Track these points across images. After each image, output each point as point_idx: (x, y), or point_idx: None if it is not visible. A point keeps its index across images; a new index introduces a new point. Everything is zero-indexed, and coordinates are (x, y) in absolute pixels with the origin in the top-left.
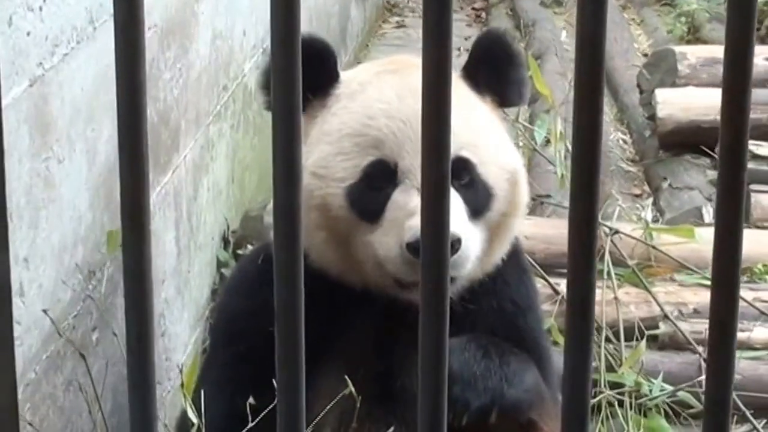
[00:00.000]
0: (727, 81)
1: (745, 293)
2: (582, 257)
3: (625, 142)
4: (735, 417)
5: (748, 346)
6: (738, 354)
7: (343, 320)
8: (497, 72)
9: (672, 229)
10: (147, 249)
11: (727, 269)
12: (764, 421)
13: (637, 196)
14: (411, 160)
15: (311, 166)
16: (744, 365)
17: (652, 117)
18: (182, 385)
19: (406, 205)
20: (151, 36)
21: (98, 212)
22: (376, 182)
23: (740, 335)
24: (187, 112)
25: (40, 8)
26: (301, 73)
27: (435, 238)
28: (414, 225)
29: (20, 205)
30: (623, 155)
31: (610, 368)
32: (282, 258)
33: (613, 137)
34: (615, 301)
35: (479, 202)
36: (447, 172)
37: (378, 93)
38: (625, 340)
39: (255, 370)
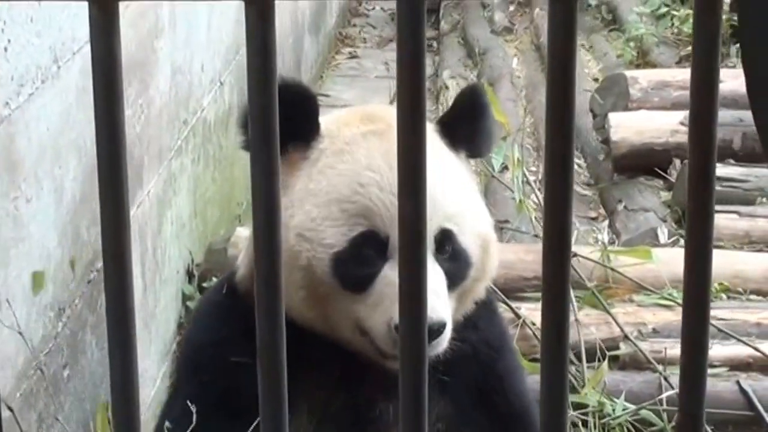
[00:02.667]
0: (694, 104)
1: None
2: (555, 284)
3: (579, 166)
4: None
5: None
6: None
7: (315, 355)
8: (474, 125)
9: (629, 251)
10: (129, 284)
11: (698, 289)
12: None
13: (593, 218)
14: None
15: (298, 227)
16: None
17: (606, 141)
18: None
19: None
20: None
21: (66, 249)
22: (365, 253)
23: None
24: (150, 147)
25: (5, 48)
26: (284, 115)
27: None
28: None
29: None
30: (578, 179)
31: (573, 389)
32: (263, 293)
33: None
34: (576, 323)
35: (458, 272)
36: (426, 249)
37: (367, 160)
38: (587, 362)
39: (219, 400)
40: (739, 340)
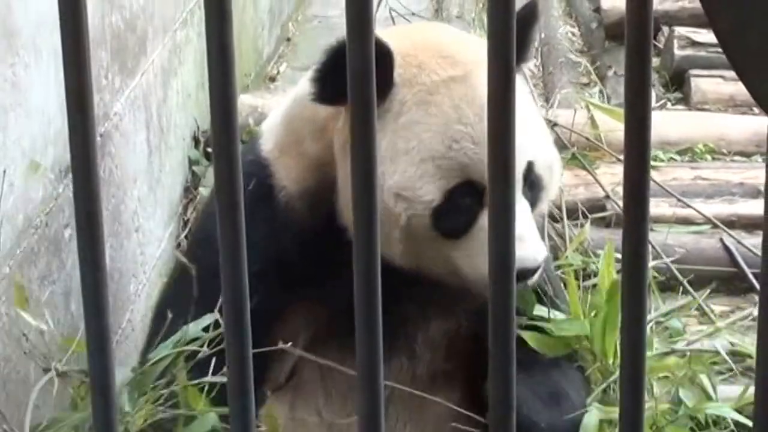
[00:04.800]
0: None
1: (686, 172)
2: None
3: (573, 34)
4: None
5: (691, 222)
6: (682, 229)
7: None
8: (528, 38)
9: (609, 110)
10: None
11: (638, 146)
12: (708, 290)
13: (585, 84)
14: None
15: (393, 187)
16: (686, 239)
17: (598, 9)
18: None
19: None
20: None
21: (66, 114)
22: (463, 202)
23: (682, 212)
24: (154, 19)
25: None
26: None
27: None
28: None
29: None
30: (572, 47)
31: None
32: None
33: (562, 30)
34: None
35: (536, 199)
36: (515, 189)
37: (456, 112)
38: (573, 222)
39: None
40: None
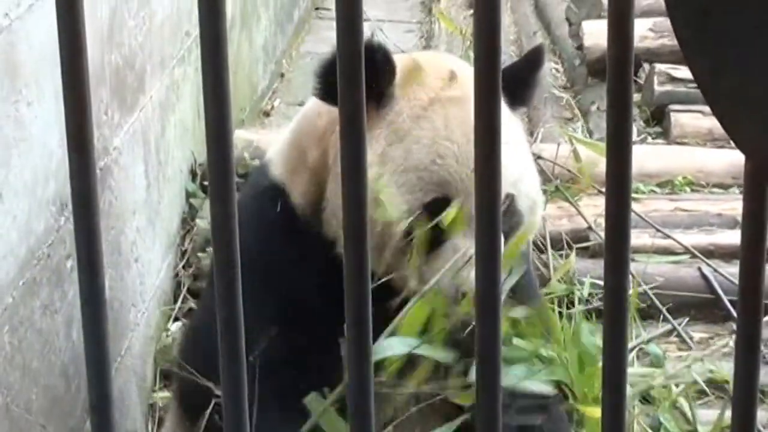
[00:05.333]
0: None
1: (666, 203)
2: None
3: (557, 70)
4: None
5: (670, 252)
6: (662, 259)
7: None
8: (531, 83)
9: (590, 144)
10: (93, 177)
11: (619, 179)
12: (686, 318)
13: (568, 119)
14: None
15: (374, 191)
16: (666, 268)
17: (581, 47)
18: None
19: (467, 250)
20: None
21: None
22: (436, 218)
23: (662, 242)
24: (152, 56)
25: None
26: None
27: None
28: (468, 277)
29: None
30: (555, 83)
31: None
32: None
33: (546, 67)
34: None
35: (510, 232)
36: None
37: (446, 130)
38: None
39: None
40: None
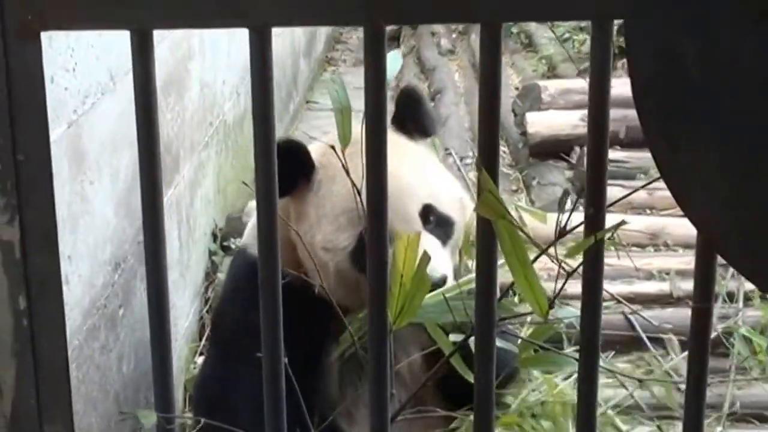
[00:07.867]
0: (592, 105)
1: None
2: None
3: (504, 152)
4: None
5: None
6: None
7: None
8: (417, 115)
9: (532, 212)
10: (162, 247)
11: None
12: (611, 353)
13: (514, 191)
14: (399, 224)
15: (320, 243)
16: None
17: (524, 133)
18: None
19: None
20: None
21: (120, 218)
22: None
23: None
24: (184, 142)
25: (73, 69)
26: (287, 167)
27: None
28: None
29: (63, 216)
30: (503, 162)
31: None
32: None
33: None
34: None
35: (446, 234)
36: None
37: (354, 175)
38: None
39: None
40: None
